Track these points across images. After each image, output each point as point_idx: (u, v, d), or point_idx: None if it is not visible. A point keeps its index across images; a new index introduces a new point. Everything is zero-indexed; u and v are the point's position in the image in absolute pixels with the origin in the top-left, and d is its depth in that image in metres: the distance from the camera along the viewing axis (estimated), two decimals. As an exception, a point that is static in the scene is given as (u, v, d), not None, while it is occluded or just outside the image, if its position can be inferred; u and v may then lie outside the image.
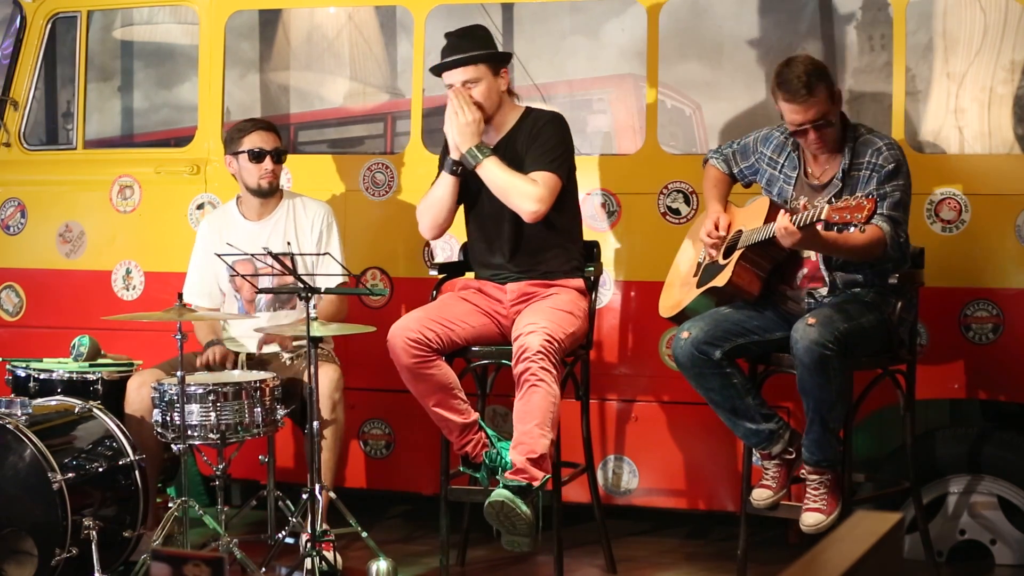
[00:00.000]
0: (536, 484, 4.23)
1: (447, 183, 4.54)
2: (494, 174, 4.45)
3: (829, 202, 4.04)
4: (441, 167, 4.64)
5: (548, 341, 4.23)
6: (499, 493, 4.21)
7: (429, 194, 4.61)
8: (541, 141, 4.52)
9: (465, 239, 4.83)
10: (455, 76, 4.49)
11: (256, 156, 4.86)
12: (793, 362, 4.08)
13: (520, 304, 4.54)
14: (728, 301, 4.29)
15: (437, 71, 4.56)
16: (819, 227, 3.99)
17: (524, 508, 4.18)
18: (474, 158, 4.45)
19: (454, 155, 4.50)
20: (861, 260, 4.15)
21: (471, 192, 4.58)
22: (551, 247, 4.57)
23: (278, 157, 4.92)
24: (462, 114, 4.45)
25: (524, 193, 4.44)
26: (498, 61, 4.54)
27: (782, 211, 4.03)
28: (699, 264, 4.46)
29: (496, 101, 4.54)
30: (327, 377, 4.66)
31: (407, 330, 4.35)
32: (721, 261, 4.32)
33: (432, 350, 4.36)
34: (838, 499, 4.17)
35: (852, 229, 3.96)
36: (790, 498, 4.36)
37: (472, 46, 4.50)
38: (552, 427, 4.27)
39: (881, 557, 1.74)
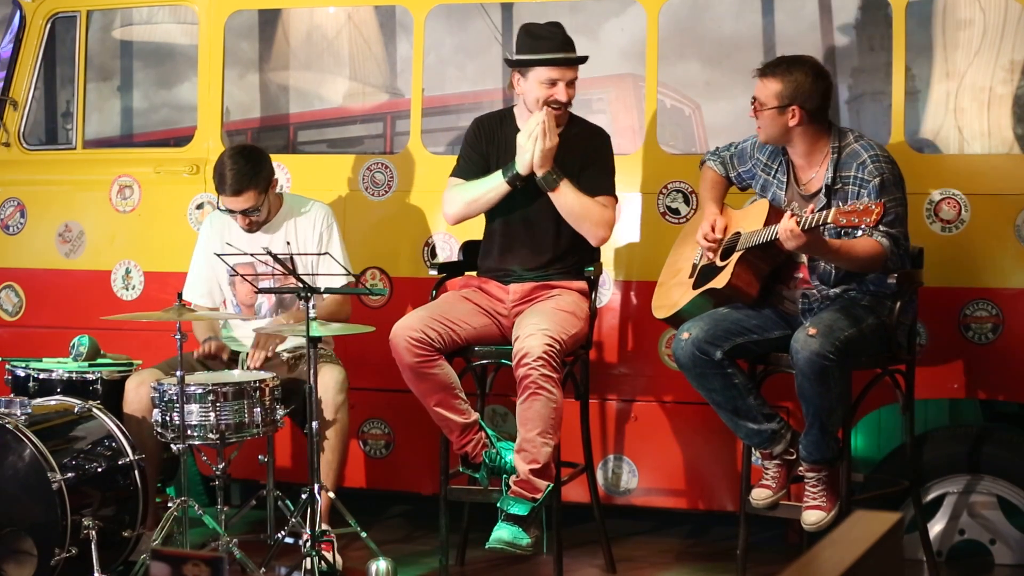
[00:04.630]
0: (539, 498, 4.29)
1: (500, 191, 4.48)
2: (569, 200, 4.45)
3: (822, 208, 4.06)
4: (471, 150, 4.58)
5: (550, 345, 4.23)
6: (498, 538, 4.26)
7: (474, 189, 4.52)
8: (603, 163, 4.54)
9: (464, 239, 4.82)
10: (566, 74, 4.45)
11: (230, 212, 4.84)
12: (792, 365, 4.08)
13: (522, 304, 4.54)
14: (726, 302, 4.28)
15: (545, 63, 4.42)
16: (823, 231, 3.98)
17: (526, 541, 4.25)
18: (551, 183, 4.43)
19: (523, 171, 4.43)
20: (860, 271, 4.14)
21: (507, 200, 4.54)
22: (568, 252, 4.57)
23: (251, 212, 4.81)
24: (549, 138, 4.40)
25: (599, 221, 4.47)
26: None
27: (787, 213, 4.02)
28: (694, 265, 4.46)
29: None
30: (332, 378, 4.66)
31: (409, 329, 4.34)
32: (719, 263, 4.31)
33: (434, 349, 4.35)
34: (836, 495, 4.18)
35: (860, 233, 3.95)
36: (790, 498, 4.36)
37: (572, 44, 4.48)
38: (555, 433, 4.30)
39: (881, 557, 1.73)
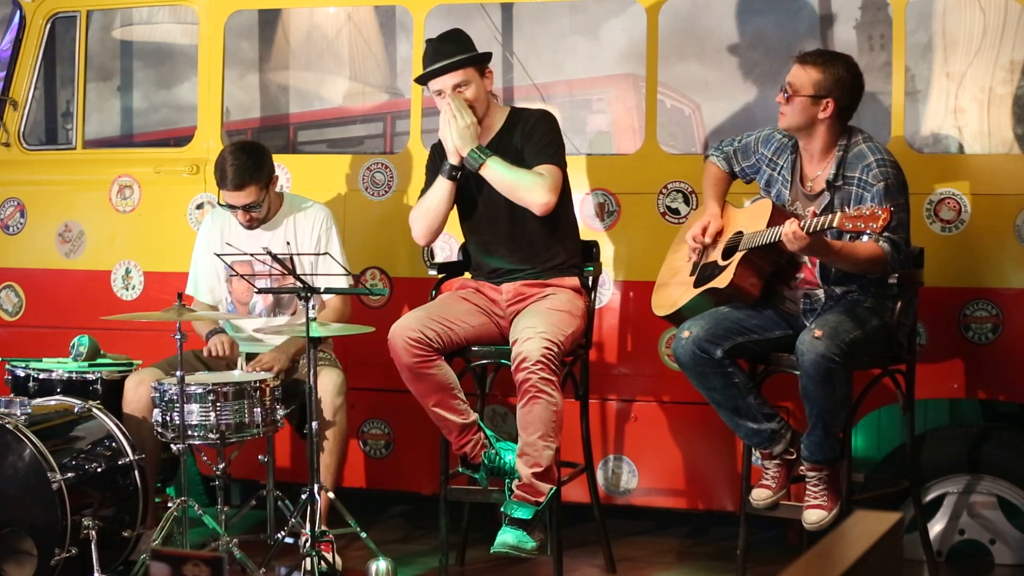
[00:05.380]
0: (543, 501, 4.30)
1: (444, 188, 4.53)
2: (499, 173, 4.46)
3: (825, 212, 4.05)
4: (430, 174, 4.63)
5: (548, 348, 4.23)
6: (503, 542, 4.27)
7: (423, 201, 4.59)
8: (538, 136, 4.53)
9: (464, 239, 4.82)
10: (445, 82, 4.48)
11: (231, 208, 4.84)
12: (794, 364, 4.07)
13: (517, 304, 4.54)
14: (727, 302, 4.28)
15: (425, 79, 4.53)
16: (827, 234, 3.97)
17: (531, 545, 4.26)
18: (477, 160, 4.45)
19: (453, 160, 4.49)
20: (860, 273, 4.14)
21: (465, 196, 4.57)
22: (548, 246, 4.57)
23: (252, 207, 4.83)
24: (460, 118, 4.45)
25: (532, 186, 4.44)
26: (483, 62, 4.54)
27: (790, 217, 4.00)
28: (695, 263, 4.45)
29: (485, 102, 4.55)
30: (331, 381, 4.65)
31: (408, 329, 4.35)
32: (721, 262, 4.31)
33: (433, 349, 4.36)
34: (837, 494, 4.18)
35: (865, 238, 3.94)
36: (790, 498, 4.36)
37: (455, 50, 4.48)
38: (556, 435, 4.31)
39: (881, 557, 1.73)
